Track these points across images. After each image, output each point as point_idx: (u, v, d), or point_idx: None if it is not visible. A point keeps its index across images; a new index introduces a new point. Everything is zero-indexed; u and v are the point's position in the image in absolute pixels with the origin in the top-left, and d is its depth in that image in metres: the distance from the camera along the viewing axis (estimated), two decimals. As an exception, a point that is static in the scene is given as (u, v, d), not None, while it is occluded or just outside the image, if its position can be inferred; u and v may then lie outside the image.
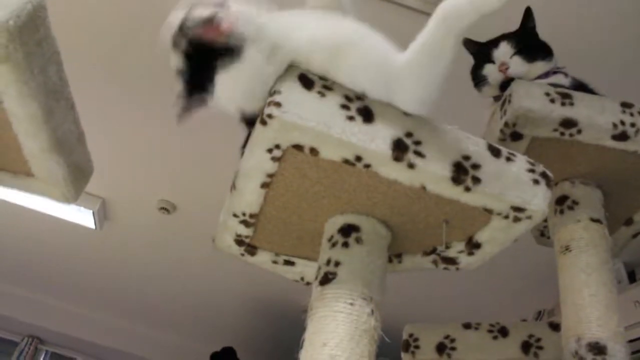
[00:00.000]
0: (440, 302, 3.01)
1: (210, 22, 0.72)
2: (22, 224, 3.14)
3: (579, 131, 1.10)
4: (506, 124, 1.11)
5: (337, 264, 0.84)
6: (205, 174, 2.50)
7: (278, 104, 0.72)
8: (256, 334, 3.84)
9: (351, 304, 0.80)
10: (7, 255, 3.52)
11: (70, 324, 3.99)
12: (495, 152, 0.83)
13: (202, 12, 0.72)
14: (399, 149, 0.76)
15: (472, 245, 0.91)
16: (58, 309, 4.00)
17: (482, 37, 1.23)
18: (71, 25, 1.86)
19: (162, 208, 2.83)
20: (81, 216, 2.95)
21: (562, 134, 1.10)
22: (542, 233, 1.38)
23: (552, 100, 1.09)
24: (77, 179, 0.99)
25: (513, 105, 1.09)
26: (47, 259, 3.47)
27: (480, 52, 1.25)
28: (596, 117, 1.10)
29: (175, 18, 0.74)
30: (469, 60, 1.28)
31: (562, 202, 1.19)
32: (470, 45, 1.26)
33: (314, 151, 0.75)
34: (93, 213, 2.89)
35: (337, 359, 0.76)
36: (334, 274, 0.83)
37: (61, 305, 4.00)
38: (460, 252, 0.93)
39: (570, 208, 1.18)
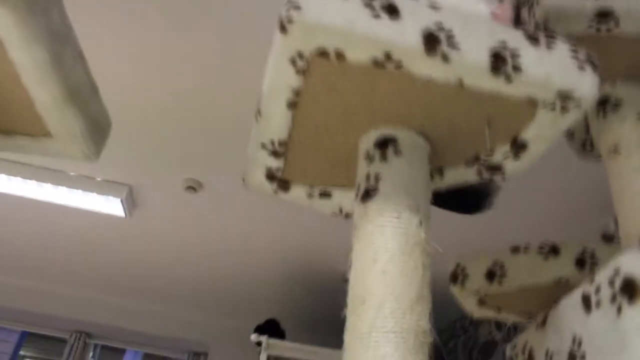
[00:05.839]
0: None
1: None
2: (54, 221, 3.17)
3: (616, 23, 1.02)
4: (536, 26, 1.04)
5: (377, 178, 0.79)
6: (226, 146, 2.47)
7: (297, 7, 0.66)
8: (297, 303, 3.84)
9: (397, 217, 0.75)
10: (44, 254, 3.56)
11: (115, 315, 4.04)
12: (534, 40, 0.77)
13: None
14: (430, 41, 0.70)
15: (518, 147, 0.85)
16: (101, 302, 4.05)
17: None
18: None
19: (189, 187, 2.81)
20: (110, 206, 2.95)
21: (598, 29, 1.03)
22: (584, 146, 1.31)
23: (584, -7, 1.02)
24: (95, 133, 0.95)
25: (542, 4, 1.03)
26: (83, 253, 3.50)
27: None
28: (634, 4, 1.02)
29: None
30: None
31: (604, 104, 1.13)
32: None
33: (340, 55, 0.70)
34: (121, 201, 2.89)
35: (390, 274, 0.71)
36: (376, 189, 0.78)
37: (104, 297, 4.05)
38: (506, 156, 0.87)
39: (614, 109, 1.11)
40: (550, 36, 0.77)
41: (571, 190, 2.33)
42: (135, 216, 3.06)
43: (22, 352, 4.07)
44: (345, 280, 0.79)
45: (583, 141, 1.31)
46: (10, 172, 2.70)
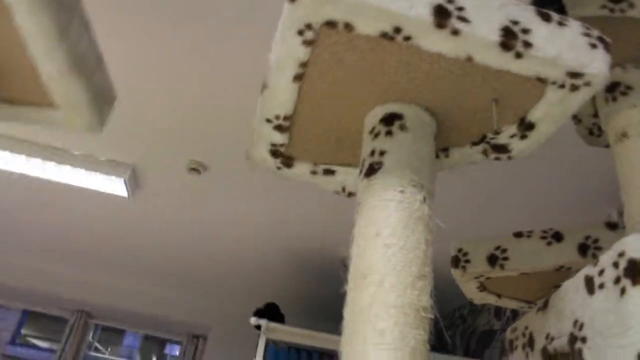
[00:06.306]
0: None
1: None
2: (56, 200, 3.17)
3: (631, 5, 1.01)
4: (548, 7, 1.03)
5: (382, 153, 0.78)
6: (230, 129, 2.46)
7: (305, -25, 0.65)
8: (297, 288, 3.85)
9: (401, 192, 0.74)
10: (46, 233, 3.57)
11: (116, 296, 4.06)
12: (545, 17, 0.76)
13: None
14: (440, 14, 0.69)
15: (525, 127, 0.84)
16: (102, 283, 4.07)
17: None
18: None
19: (193, 169, 2.81)
20: (113, 186, 2.95)
21: (612, 10, 1.02)
22: (591, 131, 1.30)
23: (597, -26, 1.01)
24: (100, 105, 0.95)
25: (555, -16, 1.01)
26: (85, 233, 3.51)
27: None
28: (648, -14, 1.01)
29: None
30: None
31: (613, 89, 1.11)
32: None
33: (348, 27, 0.69)
34: (124, 181, 2.88)
35: (392, 249, 0.71)
36: (380, 164, 0.77)
37: (105, 278, 4.07)
38: (512, 136, 0.86)
39: (624, 94, 1.10)
40: (563, 12, 0.76)
41: (575, 180, 2.32)
42: (138, 197, 3.07)
43: (23, 331, 4.10)
44: (344, 266, 0.79)
45: (590, 126, 1.30)
46: (14, 150, 2.70)
